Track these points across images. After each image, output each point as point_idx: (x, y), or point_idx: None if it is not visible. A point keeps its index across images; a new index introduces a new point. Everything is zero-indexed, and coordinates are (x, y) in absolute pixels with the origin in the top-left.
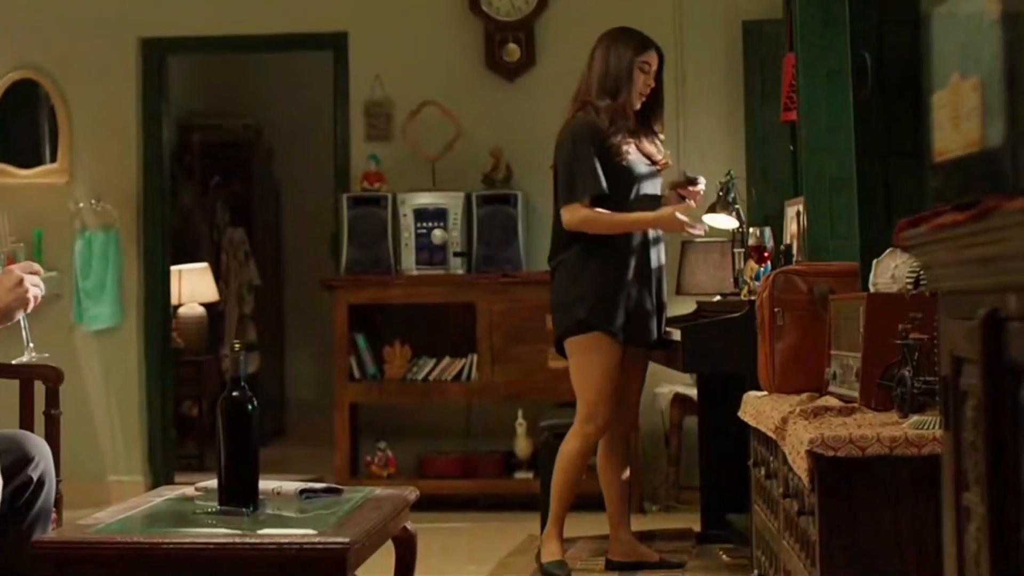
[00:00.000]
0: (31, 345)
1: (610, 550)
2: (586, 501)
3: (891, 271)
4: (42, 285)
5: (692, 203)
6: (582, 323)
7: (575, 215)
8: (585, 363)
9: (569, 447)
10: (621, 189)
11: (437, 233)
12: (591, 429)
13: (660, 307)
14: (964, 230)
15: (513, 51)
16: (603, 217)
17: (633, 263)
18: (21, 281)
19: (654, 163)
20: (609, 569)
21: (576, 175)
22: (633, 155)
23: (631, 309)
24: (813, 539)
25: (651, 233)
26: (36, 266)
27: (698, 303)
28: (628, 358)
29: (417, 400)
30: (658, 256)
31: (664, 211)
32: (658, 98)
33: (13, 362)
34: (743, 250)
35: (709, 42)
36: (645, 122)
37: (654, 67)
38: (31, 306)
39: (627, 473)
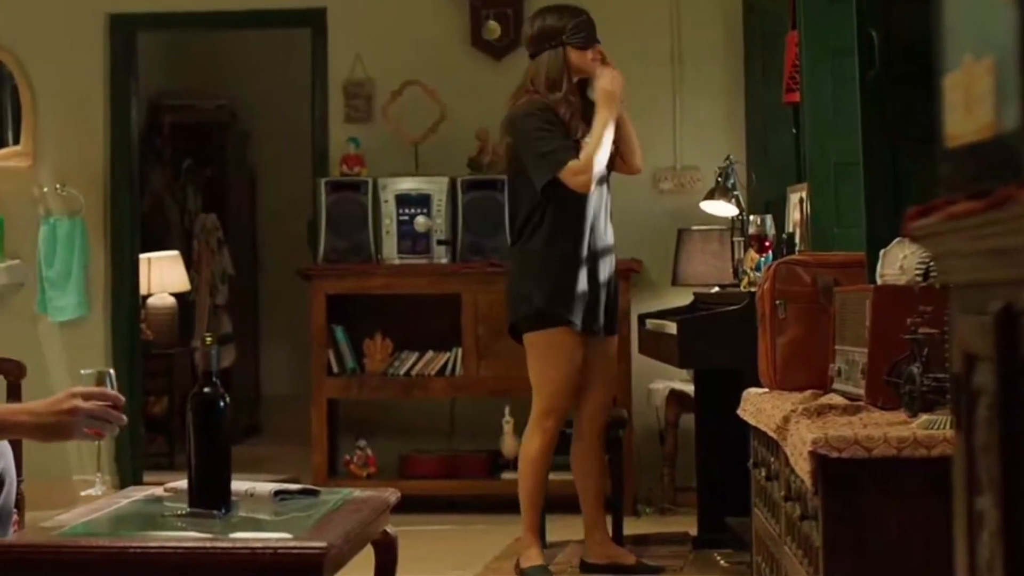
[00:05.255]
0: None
1: (586, 552)
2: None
3: (899, 262)
4: (106, 427)
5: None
6: (543, 315)
7: (575, 178)
8: (546, 357)
9: (531, 446)
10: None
11: (420, 220)
12: (550, 424)
13: (609, 291)
14: (978, 220)
15: (493, 29)
16: (589, 151)
17: (587, 248)
18: (74, 411)
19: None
20: (584, 571)
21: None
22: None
23: (588, 297)
24: (816, 545)
25: (600, 217)
26: (113, 395)
27: (695, 295)
28: (586, 346)
29: (399, 396)
30: (605, 237)
31: (601, 85)
32: None
33: None
34: (743, 239)
35: (707, 19)
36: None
37: None
38: (75, 438)
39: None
